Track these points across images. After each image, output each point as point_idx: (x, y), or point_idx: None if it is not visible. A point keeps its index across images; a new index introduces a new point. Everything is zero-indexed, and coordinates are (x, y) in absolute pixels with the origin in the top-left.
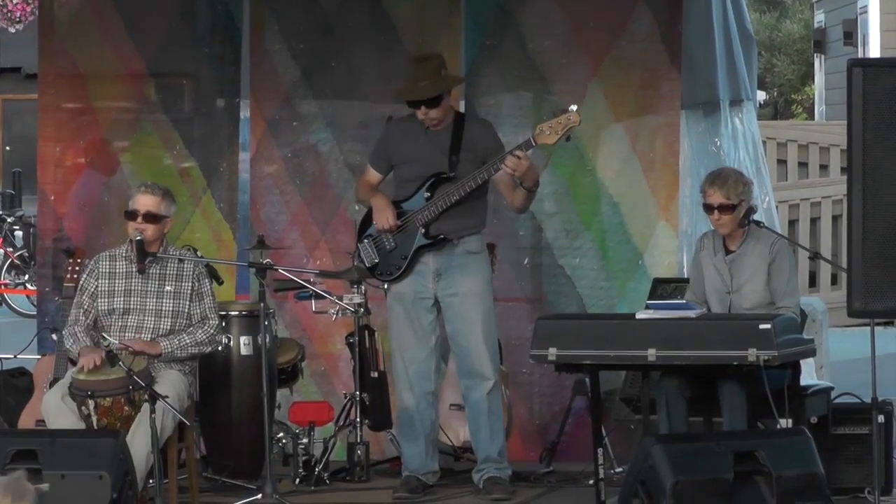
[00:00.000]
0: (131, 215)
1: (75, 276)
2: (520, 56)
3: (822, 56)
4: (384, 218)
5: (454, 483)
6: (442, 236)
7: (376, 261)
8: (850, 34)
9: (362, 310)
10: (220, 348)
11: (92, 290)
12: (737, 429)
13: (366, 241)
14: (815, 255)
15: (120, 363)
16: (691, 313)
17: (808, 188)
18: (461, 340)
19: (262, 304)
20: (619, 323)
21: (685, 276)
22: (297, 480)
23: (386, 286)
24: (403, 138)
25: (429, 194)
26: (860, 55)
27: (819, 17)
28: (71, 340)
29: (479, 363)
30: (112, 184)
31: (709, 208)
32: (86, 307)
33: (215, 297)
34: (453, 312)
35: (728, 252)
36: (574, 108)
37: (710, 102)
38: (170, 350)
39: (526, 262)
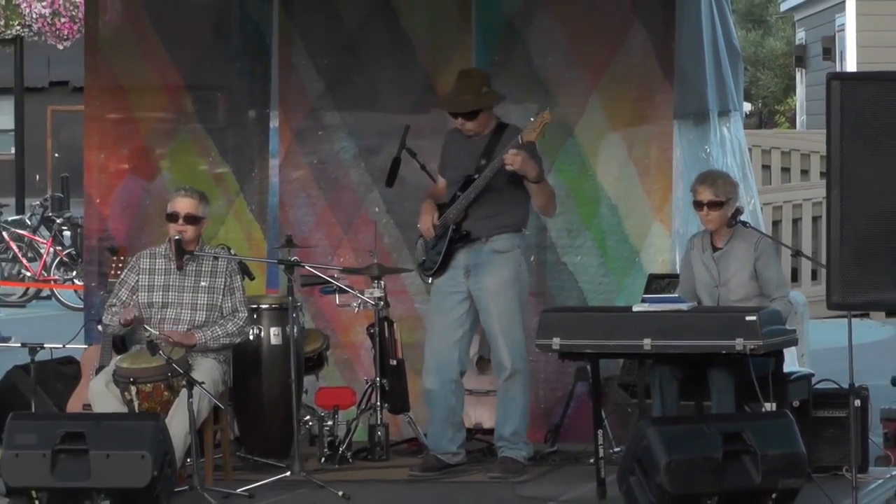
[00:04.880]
0: (172, 217)
1: (119, 272)
2: (526, 71)
3: (803, 70)
4: (423, 221)
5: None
6: (467, 233)
7: (423, 258)
8: (829, 50)
9: (382, 303)
10: (248, 338)
11: (132, 284)
12: (725, 412)
13: (419, 240)
14: (796, 253)
15: (160, 352)
16: (683, 306)
17: (790, 191)
18: (486, 332)
19: (290, 298)
20: (617, 315)
21: (678, 272)
22: (323, 459)
23: (430, 280)
24: (451, 147)
25: (459, 194)
26: (838, 69)
27: (800, 35)
28: (110, 318)
29: (499, 353)
30: (152, 188)
31: (698, 205)
32: (124, 298)
33: (245, 291)
34: (479, 306)
35: (715, 249)
36: (547, 110)
37: (701, 113)
38: (203, 341)
39: (532, 259)
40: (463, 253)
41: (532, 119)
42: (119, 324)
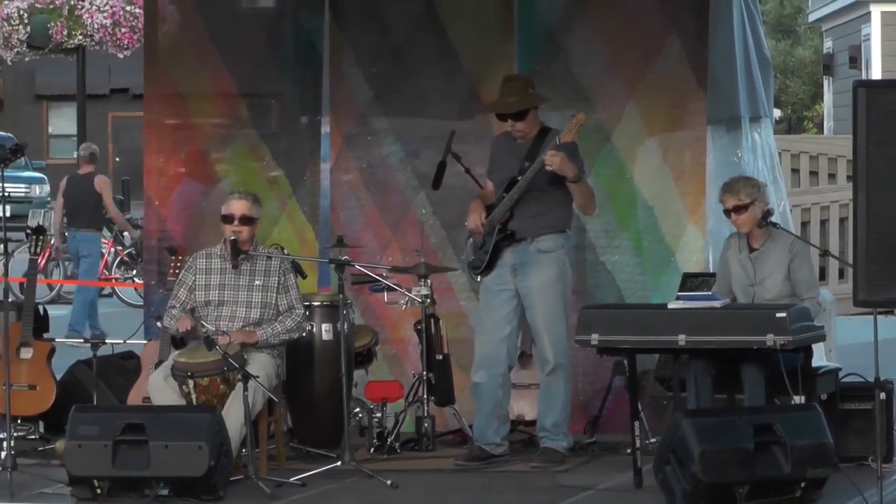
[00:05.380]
0: (228, 219)
1: (177, 270)
2: (566, 79)
3: (830, 78)
4: (470, 220)
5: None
6: (512, 232)
7: (472, 257)
8: (855, 59)
9: (429, 300)
10: (305, 334)
11: (189, 283)
12: (756, 405)
13: (469, 240)
14: (824, 253)
15: (216, 347)
16: (716, 303)
17: (818, 194)
18: (531, 327)
19: (341, 296)
20: (653, 312)
21: (711, 271)
22: (372, 450)
23: (479, 279)
24: (497, 151)
25: (505, 196)
26: (864, 77)
27: (828, 44)
28: (170, 321)
29: (542, 348)
30: (208, 190)
31: (727, 213)
32: (182, 299)
33: (299, 289)
34: (526, 303)
35: (752, 250)
36: (581, 111)
37: (732, 119)
38: (265, 338)
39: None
40: (509, 252)
41: (568, 121)
42: (176, 331)
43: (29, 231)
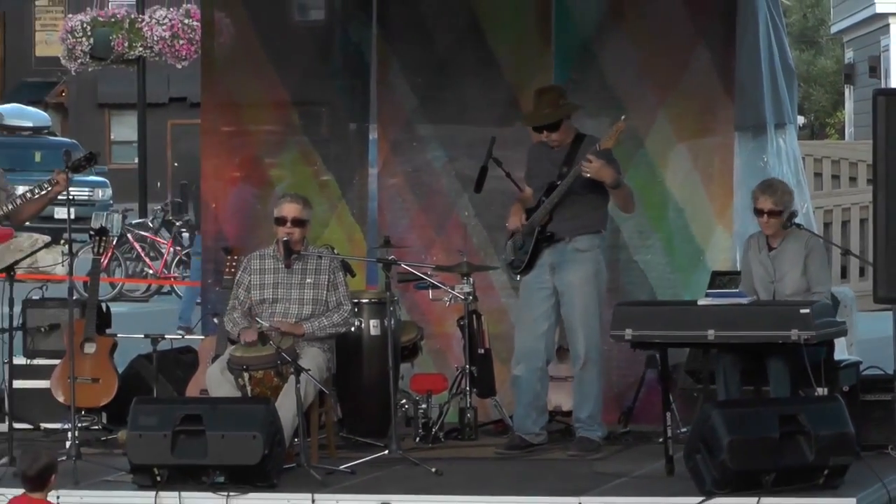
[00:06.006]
0: (280, 221)
1: (232, 269)
2: (600, 88)
3: (851, 87)
4: (511, 221)
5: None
6: (551, 234)
7: (512, 257)
8: (875, 68)
9: (471, 297)
10: (352, 329)
11: (246, 283)
12: (782, 396)
13: (509, 241)
14: (846, 252)
15: (270, 342)
16: (743, 300)
17: (840, 197)
18: (566, 323)
19: (388, 293)
20: (683, 308)
21: (738, 269)
22: (417, 439)
23: (519, 277)
24: (534, 159)
25: (544, 199)
26: (883, 86)
27: (848, 54)
28: (231, 325)
29: (576, 344)
30: (262, 194)
31: (759, 212)
32: (241, 299)
33: (348, 287)
34: (563, 300)
35: (771, 249)
36: (623, 118)
37: (759, 126)
38: (311, 331)
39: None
40: (548, 252)
41: (609, 127)
42: (238, 337)
43: (92, 232)
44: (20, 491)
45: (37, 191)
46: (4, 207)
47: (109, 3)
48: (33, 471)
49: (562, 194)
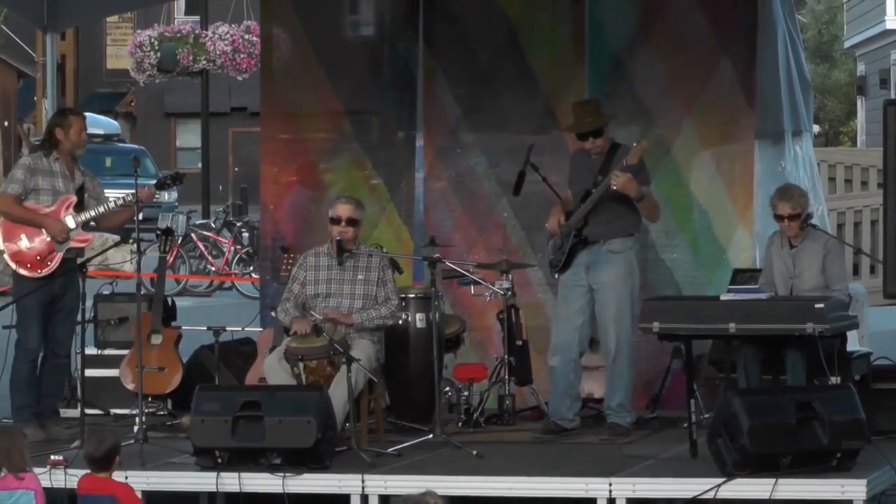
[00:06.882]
0: (335, 221)
1: (289, 266)
2: (630, 99)
3: (863, 98)
4: (550, 222)
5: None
6: (586, 237)
7: (552, 256)
8: (885, 80)
9: (510, 293)
10: (399, 322)
11: (301, 279)
12: (798, 384)
13: (550, 242)
14: (857, 251)
15: (324, 334)
16: (763, 296)
17: (852, 199)
18: (598, 319)
19: (433, 289)
20: (707, 303)
21: (758, 267)
22: (460, 424)
23: (557, 276)
24: (575, 166)
25: (581, 205)
26: (893, 97)
27: (861, 68)
28: (283, 314)
29: (607, 338)
30: (317, 197)
31: (780, 218)
32: (295, 292)
33: (395, 283)
34: (597, 298)
35: (791, 247)
36: (645, 139)
37: (777, 134)
38: (360, 321)
39: None
40: (584, 253)
41: (634, 145)
42: (290, 326)
43: (159, 232)
44: (87, 471)
45: (128, 198)
46: (95, 210)
47: (175, 20)
48: (99, 452)
49: (595, 202)
